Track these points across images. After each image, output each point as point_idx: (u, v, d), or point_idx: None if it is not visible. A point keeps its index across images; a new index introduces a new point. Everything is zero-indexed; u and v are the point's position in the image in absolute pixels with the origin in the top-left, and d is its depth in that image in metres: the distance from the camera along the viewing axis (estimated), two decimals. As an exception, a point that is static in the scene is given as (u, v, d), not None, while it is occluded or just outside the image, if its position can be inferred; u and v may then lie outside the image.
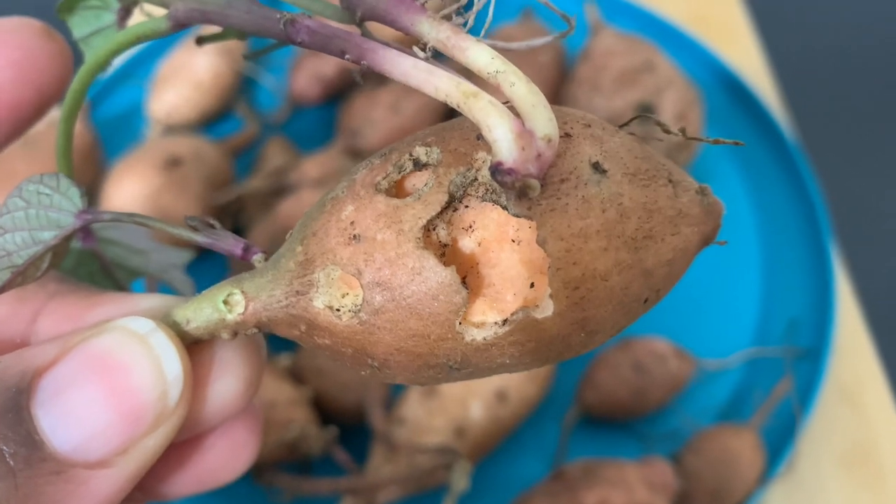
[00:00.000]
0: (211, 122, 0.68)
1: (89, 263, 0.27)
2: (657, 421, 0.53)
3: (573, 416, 0.52)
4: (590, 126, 0.20)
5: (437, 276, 0.18)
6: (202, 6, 0.20)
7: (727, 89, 0.67)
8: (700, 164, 0.63)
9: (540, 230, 0.18)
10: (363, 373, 0.21)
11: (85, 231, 0.26)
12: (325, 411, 0.50)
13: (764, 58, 0.71)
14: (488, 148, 0.18)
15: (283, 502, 0.47)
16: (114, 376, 0.19)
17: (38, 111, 0.24)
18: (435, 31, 0.19)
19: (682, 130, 0.21)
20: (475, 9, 0.19)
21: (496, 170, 0.18)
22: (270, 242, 0.55)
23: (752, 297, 0.58)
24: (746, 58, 0.71)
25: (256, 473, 0.47)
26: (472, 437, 0.48)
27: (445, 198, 0.19)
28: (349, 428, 0.50)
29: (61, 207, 0.21)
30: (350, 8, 0.20)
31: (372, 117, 0.60)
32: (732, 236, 0.61)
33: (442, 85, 0.18)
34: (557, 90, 0.62)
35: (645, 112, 0.56)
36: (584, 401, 0.52)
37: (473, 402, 0.48)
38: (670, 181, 0.20)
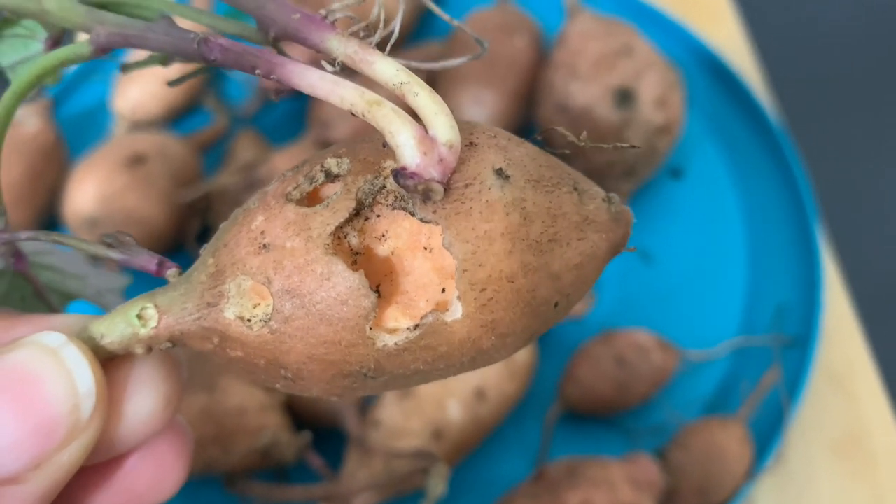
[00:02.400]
0: (179, 116, 0.66)
1: (22, 288, 0.26)
2: (641, 415, 0.52)
3: (555, 413, 0.51)
4: (495, 137, 0.21)
5: (346, 281, 0.19)
6: (123, 30, 0.20)
7: (710, 72, 0.66)
8: (682, 148, 0.62)
9: (445, 233, 0.19)
10: (277, 385, 0.21)
11: (16, 254, 0.25)
12: (297, 416, 0.49)
13: (747, 39, 0.70)
14: (395, 156, 0.19)
15: (257, 511, 0.46)
16: (23, 390, 0.19)
17: None
18: (343, 47, 0.20)
19: (585, 139, 0.22)
20: (381, 27, 0.20)
21: (399, 174, 0.19)
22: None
23: (738, 285, 0.57)
24: (729, 39, 0.70)
25: (228, 482, 0.46)
26: (450, 438, 0.46)
27: (353, 204, 0.19)
28: (323, 433, 0.48)
29: None
30: (264, 28, 0.21)
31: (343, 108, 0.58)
32: (716, 221, 0.60)
33: (347, 95, 0.19)
34: (534, 75, 0.60)
35: (624, 97, 0.54)
36: (565, 397, 0.51)
37: (451, 402, 0.46)
38: (575, 189, 0.21)
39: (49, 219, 0.61)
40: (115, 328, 0.20)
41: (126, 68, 0.25)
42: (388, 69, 0.19)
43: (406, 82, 0.19)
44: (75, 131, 0.65)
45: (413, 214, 0.19)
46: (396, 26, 0.20)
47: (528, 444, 0.51)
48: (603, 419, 0.52)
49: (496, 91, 0.58)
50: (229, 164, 0.60)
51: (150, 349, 0.20)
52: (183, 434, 0.24)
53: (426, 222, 0.19)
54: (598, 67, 0.55)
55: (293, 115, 0.65)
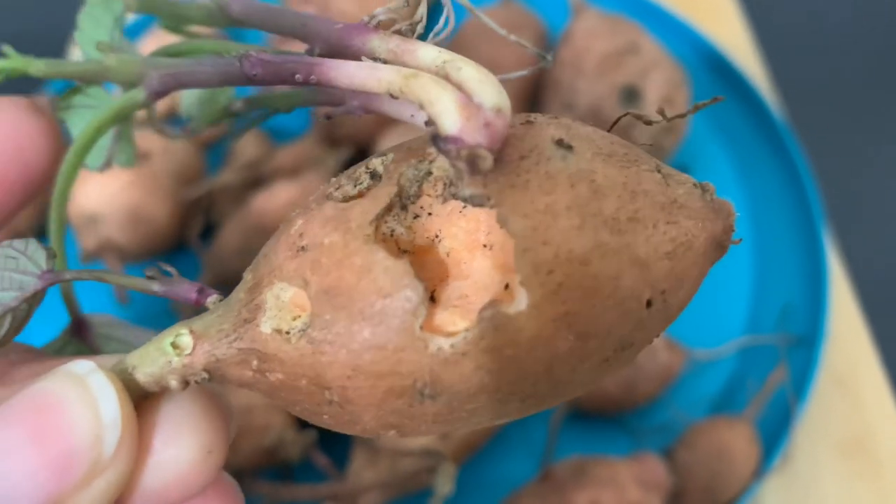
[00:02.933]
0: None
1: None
2: (648, 415, 0.52)
3: (561, 412, 0.50)
4: (556, 118, 0.19)
5: (388, 270, 0.16)
6: (174, 70, 0.21)
7: (714, 70, 0.66)
8: (687, 147, 0.62)
9: (499, 208, 0.16)
10: (325, 417, 0.18)
11: (81, 327, 0.25)
12: (303, 414, 0.48)
13: (752, 38, 0.70)
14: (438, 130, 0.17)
15: (262, 510, 0.45)
16: (42, 417, 0.17)
17: (28, 188, 0.23)
18: (385, 44, 0.19)
19: (662, 112, 0.20)
20: (423, 21, 0.20)
21: (439, 140, 0.16)
22: (244, 237, 0.53)
23: (744, 284, 0.57)
24: (734, 38, 0.69)
25: (234, 480, 0.46)
26: (456, 437, 0.46)
27: (395, 189, 0.17)
28: (329, 431, 0.48)
29: (26, 270, 0.21)
30: (310, 48, 0.21)
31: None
32: (722, 222, 0.59)
33: (384, 75, 0.18)
34: (540, 73, 0.60)
35: (630, 95, 0.54)
36: (572, 396, 0.50)
37: (458, 401, 0.46)
38: (658, 171, 0.18)
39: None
40: (148, 358, 0.18)
41: (187, 133, 0.26)
42: (429, 52, 0.18)
43: (449, 60, 0.18)
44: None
45: (462, 197, 0.16)
46: (449, 18, 0.19)
47: (535, 444, 0.50)
48: (609, 418, 0.51)
49: (501, 89, 0.58)
50: (232, 162, 0.60)
51: (185, 382, 0.18)
52: (233, 497, 0.21)
53: (477, 203, 0.16)
54: (604, 66, 0.55)
55: (297, 112, 0.65)
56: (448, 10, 0.19)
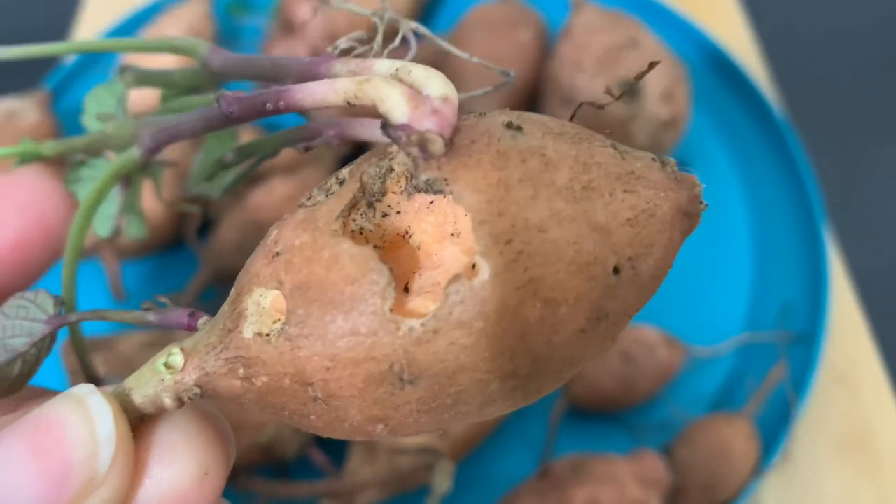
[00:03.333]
0: (179, 109, 0.65)
1: None
2: (647, 412, 0.51)
3: (560, 410, 0.50)
4: (507, 109, 0.19)
5: (354, 258, 0.17)
6: (163, 125, 0.22)
7: (715, 67, 0.65)
8: (688, 143, 0.61)
9: (454, 186, 0.17)
10: (312, 417, 0.18)
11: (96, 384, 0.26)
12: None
13: (752, 34, 0.69)
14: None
15: (259, 507, 0.45)
16: (41, 433, 0.18)
17: (49, 249, 0.25)
18: (345, 66, 0.21)
19: (609, 91, 0.21)
20: (379, 41, 0.21)
21: (389, 128, 0.17)
22: (241, 233, 0.53)
23: (743, 281, 0.56)
24: (734, 35, 0.69)
25: (230, 477, 0.45)
26: (454, 434, 0.46)
27: (357, 185, 0.18)
28: (326, 427, 0.48)
29: (35, 317, 0.22)
30: (282, 82, 0.22)
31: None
32: (721, 217, 0.59)
33: (340, 85, 0.19)
34: (539, 69, 0.59)
35: (629, 91, 0.54)
36: (570, 393, 0.50)
37: (456, 398, 0.46)
38: (613, 147, 0.18)
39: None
40: (143, 379, 0.19)
41: (201, 197, 0.28)
42: (384, 64, 0.20)
43: (401, 67, 0.19)
44: (74, 123, 0.64)
45: (419, 185, 0.17)
46: (409, 42, 0.21)
47: (533, 441, 0.50)
48: (608, 416, 0.51)
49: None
50: (230, 158, 0.59)
51: (179, 400, 0.19)
52: None
53: (436, 189, 0.17)
54: (604, 61, 0.55)
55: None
56: (404, 35, 0.22)
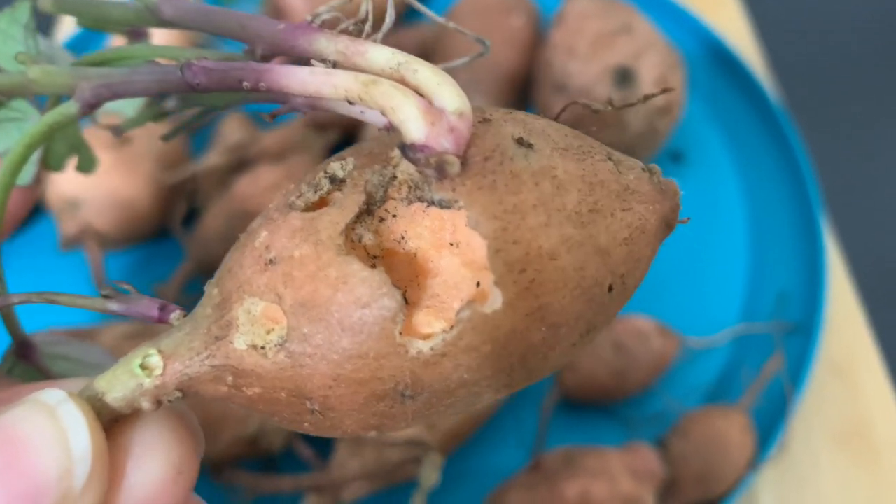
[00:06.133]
0: (166, 97, 0.64)
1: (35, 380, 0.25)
2: (641, 403, 0.50)
3: (552, 401, 0.49)
4: (511, 113, 0.19)
5: (365, 281, 0.16)
6: (107, 80, 0.20)
7: (711, 55, 0.64)
8: (683, 132, 0.60)
9: (469, 211, 0.17)
10: (306, 425, 0.18)
11: (26, 349, 0.24)
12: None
13: (748, 22, 0.68)
14: (401, 137, 0.17)
15: (244, 501, 0.44)
16: (10, 451, 0.16)
17: None
18: (333, 45, 0.19)
19: (611, 102, 0.20)
20: (369, 20, 0.19)
21: (408, 149, 0.17)
22: (226, 223, 0.51)
23: (740, 271, 0.56)
24: (731, 22, 0.68)
25: (215, 471, 0.44)
26: (444, 427, 0.44)
27: (362, 197, 0.17)
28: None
29: None
30: (251, 48, 0.20)
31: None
32: (717, 206, 0.58)
33: (340, 81, 0.18)
34: (532, 55, 0.58)
35: (623, 77, 0.53)
36: (562, 384, 0.49)
37: (445, 390, 0.45)
38: (610, 158, 0.19)
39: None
40: (118, 382, 0.18)
41: (117, 131, 0.25)
42: (382, 54, 0.18)
43: (403, 62, 0.18)
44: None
45: (431, 201, 0.17)
46: (390, 16, 0.19)
47: (524, 434, 0.49)
48: (601, 407, 0.50)
49: (493, 72, 0.57)
50: (217, 146, 0.58)
51: (158, 402, 0.18)
52: None
53: (446, 206, 0.17)
54: (597, 47, 0.54)
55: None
56: (391, 6, 0.19)
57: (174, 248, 0.55)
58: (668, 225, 0.20)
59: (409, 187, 0.18)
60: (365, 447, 0.44)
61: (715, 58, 0.64)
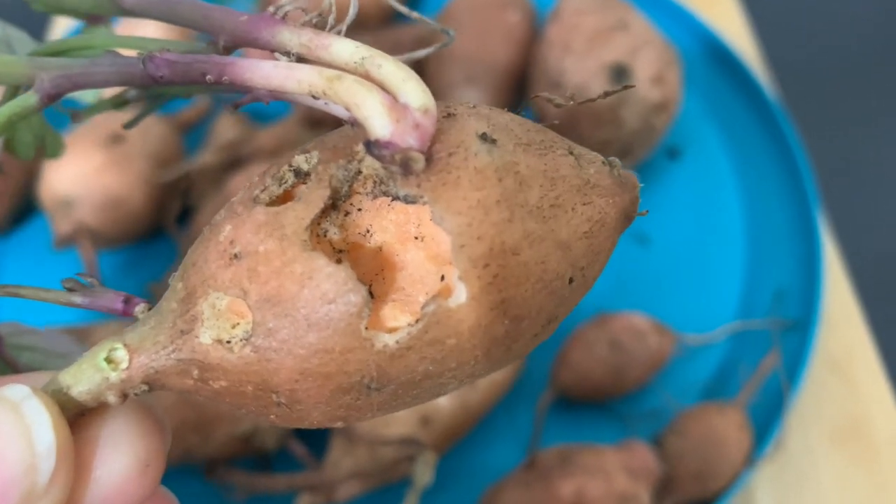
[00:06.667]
0: (160, 95, 0.64)
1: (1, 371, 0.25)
2: (637, 401, 0.50)
3: (547, 399, 0.49)
4: (474, 107, 0.19)
5: (330, 276, 0.17)
6: (67, 71, 0.19)
7: (707, 52, 0.64)
8: (679, 128, 0.60)
9: (434, 207, 0.17)
10: (272, 417, 0.18)
11: None
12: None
13: (745, 18, 0.68)
14: (365, 132, 0.17)
15: (238, 500, 0.44)
16: None
17: None
18: (296, 38, 0.19)
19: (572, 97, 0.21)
20: (332, 12, 0.19)
21: (372, 145, 0.17)
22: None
23: (736, 268, 0.55)
24: (727, 19, 0.68)
25: (208, 470, 0.44)
26: (438, 425, 0.44)
27: (327, 192, 0.17)
28: (307, 418, 0.47)
29: None
30: (213, 40, 0.20)
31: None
32: (714, 202, 0.58)
33: (303, 76, 0.18)
34: (528, 51, 0.58)
35: (619, 74, 0.53)
36: (558, 382, 0.49)
37: (440, 388, 0.45)
38: (571, 153, 0.19)
39: (25, 201, 0.59)
40: (83, 376, 0.18)
41: (77, 117, 0.24)
42: (345, 48, 0.18)
43: (367, 56, 0.18)
44: (52, 110, 0.63)
45: (396, 196, 0.17)
46: (353, 7, 0.19)
47: (520, 431, 0.49)
48: (597, 405, 0.50)
49: (489, 68, 0.57)
50: (211, 144, 0.58)
51: (124, 396, 0.18)
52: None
53: (411, 201, 0.17)
54: (593, 43, 0.54)
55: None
56: (353, 3, 0.19)
57: (168, 246, 0.55)
58: (627, 217, 0.20)
59: (375, 182, 0.18)
60: (359, 446, 0.43)
61: (711, 54, 0.64)
